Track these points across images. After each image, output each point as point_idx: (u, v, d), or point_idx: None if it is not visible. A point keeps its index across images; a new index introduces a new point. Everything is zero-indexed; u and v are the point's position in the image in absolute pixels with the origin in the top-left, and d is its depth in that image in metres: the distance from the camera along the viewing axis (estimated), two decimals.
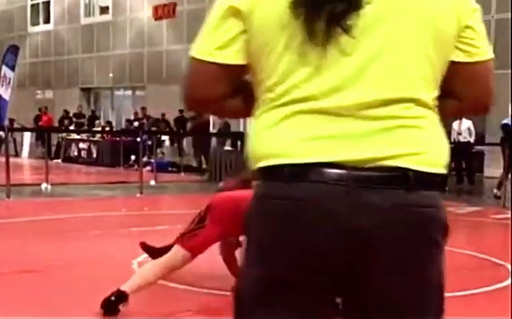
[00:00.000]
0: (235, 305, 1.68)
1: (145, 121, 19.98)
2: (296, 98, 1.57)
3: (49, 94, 32.41)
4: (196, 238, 4.67)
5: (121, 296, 4.48)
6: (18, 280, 5.50)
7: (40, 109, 25.76)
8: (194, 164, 18.25)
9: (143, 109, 20.69)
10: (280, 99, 1.58)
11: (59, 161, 20.47)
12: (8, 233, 8.25)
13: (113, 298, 4.48)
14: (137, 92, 29.84)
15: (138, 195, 12.33)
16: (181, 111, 22.29)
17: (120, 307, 4.47)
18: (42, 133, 23.17)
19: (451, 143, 15.36)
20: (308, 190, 1.53)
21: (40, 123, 23.67)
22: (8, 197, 11.51)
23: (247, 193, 4.91)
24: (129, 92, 30.64)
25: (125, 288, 4.52)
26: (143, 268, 4.92)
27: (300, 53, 1.55)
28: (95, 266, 5.91)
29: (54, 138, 22.09)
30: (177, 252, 4.70)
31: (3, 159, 20.65)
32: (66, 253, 6.74)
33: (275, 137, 1.58)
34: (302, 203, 1.54)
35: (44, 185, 13.27)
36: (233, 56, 1.62)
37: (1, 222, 9.07)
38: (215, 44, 1.63)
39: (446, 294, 1.65)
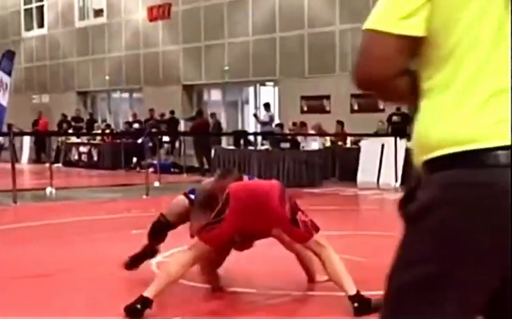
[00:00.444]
0: (392, 300, 1.57)
1: (152, 122, 19.88)
2: (483, 77, 1.47)
3: (45, 98, 32.28)
4: (215, 230, 4.59)
5: (145, 303, 4.42)
6: (31, 284, 5.48)
7: (41, 113, 25.67)
8: (196, 164, 18.20)
9: (151, 110, 20.62)
10: (465, 77, 1.48)
11: (59, 165, 20.38)
12: (17, 238, 8.24)
13: (139, 306, 4.40)
14: (134, 94, 29.76)
15: (144, 196, 12.29)
16: (172, 112, 22.22)
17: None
18: (41, 137, 23.08)
19: None
20: (501, 176, 1.43)
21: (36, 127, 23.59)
22: (15, 202, 11.48)
23: (263, 184, 4.90)
24: (126, 95, 30.55)
25: (148, 294, 4.43)
26: (164, 269, 4.82)
27: (496, 25, 1.45)
28: (108, 268, 5.87)
29: (53, 142, 21.98)
30: (197, 246, 4.64)
31: (1, 166, 20.71)
32: (77, 256, 6.74)
33: (468, 121, 1.47)
34: (498, 190, 1.44)
35: (48, 190, 13.23)
36: (418, 27, 1.50)
37: (11, 227, 9.05)
38: (399, 13, 1.51)
39: None
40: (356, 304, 4.54)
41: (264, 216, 4.62)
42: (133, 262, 5.55)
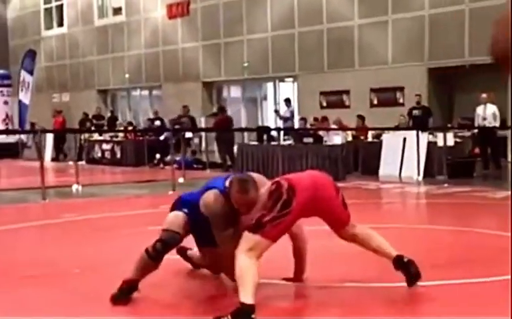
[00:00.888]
0: None
1: (186, 119, 19.97)
2: None
3: (66, 97, 32.59)
4: (281, 224, 4.40)
5: (247, 307, 4.11)
6: (64, 280, 5.51)
7: (60, 112, 25.90)
8: (218, 160, 18.35)
9: (185, 107, 20.76)
10: None
11: (83, 162, 20.61)
12: (49, 234, 8.40)
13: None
14: (154, 92, 29.99)
15: (170, 192, 12.45)
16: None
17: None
18: (61, 135, 23.33)
19: (475, 128, 15.43)
20: None
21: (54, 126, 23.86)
22: (44, 199, 11.69)
23: (318, 174, 4.89)
24: (146, 92, 30.77)
25: (247, 300, 4.11)
26: (239, 278, 4.27)
27: None
28: None
29: (71, 141, 22.22)
30: (258, 245, 4.35)
31: (25, 164, 20.99)
32: (109, 252, 6.80)
33: None
34: None
35: (75, 186, 13.44)
36: None
37: (42, 223, 9.23)
38: None
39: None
40: (405, 259, 4.83)
41: (326, 205, 4.66)
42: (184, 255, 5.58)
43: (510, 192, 10.68)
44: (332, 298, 4.89)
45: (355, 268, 5.63)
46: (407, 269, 4.82)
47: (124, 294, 4.66)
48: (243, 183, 4.57)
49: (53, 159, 22.91)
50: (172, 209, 5.07)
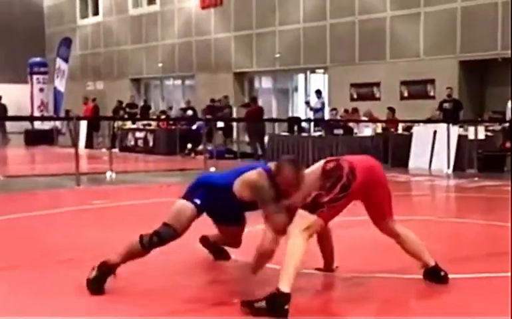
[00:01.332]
0: None
1: (228, 108, 20.16)
2: None
3: (100, 85, 33.03)
4: (337, 206, 4.37)
5: (282, 296, 4.04)
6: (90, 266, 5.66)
7: (94, 99, 26.25)
8: (249, 151, 18.52)
9: (226, 97, 20.93)
10: None
11: (116, 150, 20.93)
12: (82, 219, 8.59)
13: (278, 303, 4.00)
14: (187, 81, 30.24)
15: None
16: (212, 100, 22.48)
17: None
18: (95, 123, 23.66)
19: (506, 122, 15.36)
20: None
21: (84, 113, 24.19)
22: (78, 185, 11.97)
23: (370, 158, 4.87)
24: (178, 82, 31.05)
25: (284, 288, 4.03)
26: (290, 256, 4.18)
27: None
28: (173, 249, 5.36)
29: (105, 128, 22.55)
30: (313, 226, 4.30)
31: (60, 150, 21.38)
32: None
33: None
34: None
35: (108, 173, 13.71)
36: None
37: (76, 209, 9.47)
38: None
39: None
40: (442, 273, 4.80)
41: (378, 191, 4.66)
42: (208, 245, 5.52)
43: None
44: (364, 289, 4.96)
45: (387, 258, 5.72)
46: (439, 281, 4.80)
47: (103, 276, 4.62)
48: (295, 162, 4.58)
49: (86, 147, 23.27)
50: (188, 190, 4.90)
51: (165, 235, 4.69)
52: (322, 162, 4.62)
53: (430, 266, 4.86)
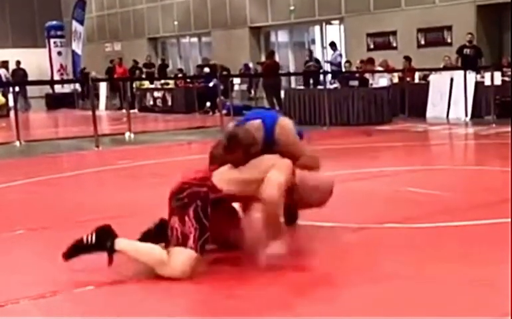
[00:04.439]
0: None
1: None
2: None
3: (118, 46, 33.04)
4: None
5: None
6: (114, 224, 5.76)
7: (111, 61, 26.33)
8: (266, 106, 18.54)
9: (205, 59, 20.81)
10: None
11: (135, 111, 21.05)
12: (102, 180, 8.76)
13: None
14: (203, 39, 30.16)
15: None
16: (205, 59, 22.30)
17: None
18: (116, 84, 23.76)
19: None
20: None
21: (115, 75, 24.25)
22: (97, 146, 12.13)
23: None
24: (195, 39, 30.97)
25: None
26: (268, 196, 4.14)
27: None
28: None
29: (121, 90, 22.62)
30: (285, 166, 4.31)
31: (81, 113, 21.55)
32: (162, 197, 6.99)
33: None
34: None
35: (127, 134, 13.85)
36: None
37: (95, 170, 9.63)
38: None
39: None
40: None
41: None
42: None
43: None
44: (373, 237, 5.05)
45: (394, 209, 5.80)
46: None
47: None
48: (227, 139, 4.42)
49: (107, 108, 23.40)
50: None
51: None
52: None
53: None
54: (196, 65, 24.77)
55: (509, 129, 12.17)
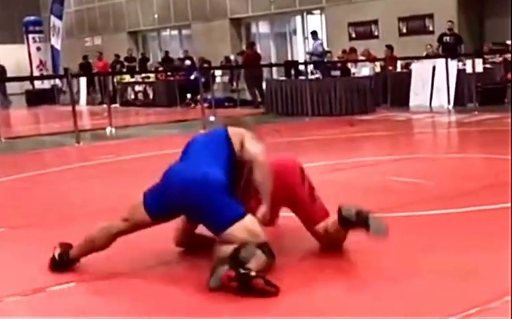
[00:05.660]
0: None
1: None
2: None
3: (98, 40, 32.79)
4: None
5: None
6: (96, 219, 5.66)
7: (84, 57, 26.14)
8: (249, 97, 18.46)
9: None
10: None
11: (117, 105, 20.90)
12: (82, 176, 8.62)
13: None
14: (184, 31, 30.00)
15: (202, 130, 12.65)
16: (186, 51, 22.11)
17: None
18: (94, 79, 23.58)
19: (507, 52, 15.17)
20: None
21: (92, 70, 24.08)
22: (78, 142, 11.99)
23: (284, 161, 4.31)
24: (175, 32, 30.81)
25: None
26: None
27: None
28: None
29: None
30: None
31: (62, 108, 21.36)
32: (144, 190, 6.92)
33: None
34: None
35: (108, 129, 13.72)
36: None
37: (76, 166, 9.51)
38: None
39: None
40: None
41: (290, 190, 4.29)
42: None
43: None
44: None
45: (381, 198, 5.76)
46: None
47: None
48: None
49: (88, 103, 23.23)
50: None
51: None
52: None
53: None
54: (177, 58, 24.59)
55: (492, 116, 12.22)
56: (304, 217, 4.32)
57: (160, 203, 4.04)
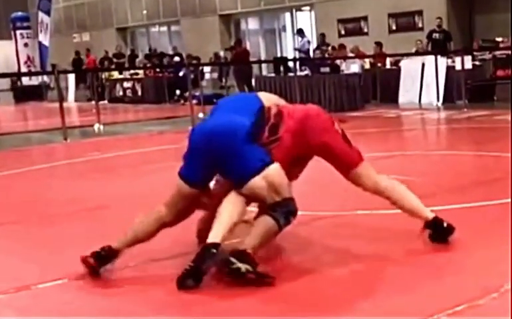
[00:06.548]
0: None
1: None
2: None
3: (86, 36, 32.61)
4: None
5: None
6: (85, 217, 5.60)
7: (76, 53, 25.99)
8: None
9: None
10: None
11: (105, 102, 20.78)
12: (70, 173, 8.58)
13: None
14: (173, 27, 29.87)
15: (190, 127, 12.57)
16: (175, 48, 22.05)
17: None
18: (84, 75, 23.44)
19: (497, 49, 15.16)
20: None
21: (84, 66, 23.96)
22: (65, 139, 11.89)
23: (308, 107, 4.20)
24: (164, 28, 30.67)
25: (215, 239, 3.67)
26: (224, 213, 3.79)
27: None
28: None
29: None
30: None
31: (50, 105, 21.22)
32: (130, 188, 6.84)
33: None
34: None
35: (96, 126, 13.62)
36: None
37: (63, 163, 9.44)
38: None
39: None
40: (445, 224, 4.19)
41: (323, 136, 4.12)
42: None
43: None
44: (344, 225, 4.97)
45: (360, 196, 5.70)
46: (444, 234, 4.19)
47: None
48: None
49: (76, 100, 23.08)
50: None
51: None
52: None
53: (430, 219, 4.22)
54: (167, 54, 24.45)
55: (481, 113, 12.21)
56: (339, 163, 4.18)
57: (192, 166, 3.89)
